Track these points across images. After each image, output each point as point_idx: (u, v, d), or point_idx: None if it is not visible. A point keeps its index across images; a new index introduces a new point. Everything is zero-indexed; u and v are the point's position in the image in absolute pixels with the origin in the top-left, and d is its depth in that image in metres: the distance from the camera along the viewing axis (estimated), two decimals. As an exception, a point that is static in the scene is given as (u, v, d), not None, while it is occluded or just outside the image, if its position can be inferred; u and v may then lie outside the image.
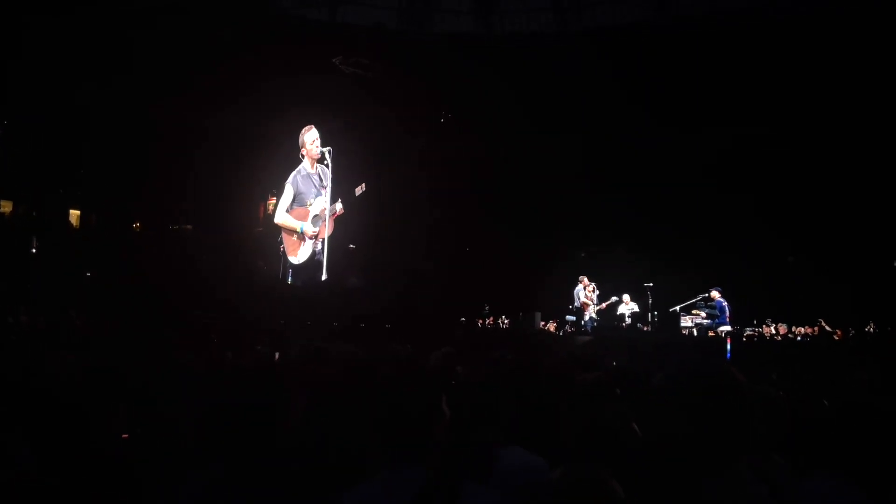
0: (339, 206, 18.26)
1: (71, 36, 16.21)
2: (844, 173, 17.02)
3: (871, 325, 15.06)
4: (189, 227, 21.17)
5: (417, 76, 18.77)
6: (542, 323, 16.98)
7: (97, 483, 2.11)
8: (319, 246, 18.14)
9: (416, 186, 19.95)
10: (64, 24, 16.15)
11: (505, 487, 2.06)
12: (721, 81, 17.70)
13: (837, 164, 17.11)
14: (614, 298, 16.57)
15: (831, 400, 2.32)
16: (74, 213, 20.27)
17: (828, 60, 16.55)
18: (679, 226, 18.19)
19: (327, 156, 18.07)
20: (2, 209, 18.57)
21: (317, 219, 18.19)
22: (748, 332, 15.49)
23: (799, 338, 15.40)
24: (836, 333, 14.94)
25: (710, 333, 14.12)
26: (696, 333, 14.66)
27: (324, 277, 17.83)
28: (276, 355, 6.46)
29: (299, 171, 18.46)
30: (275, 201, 19.01)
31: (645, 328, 15.27)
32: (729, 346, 11.43)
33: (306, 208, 18.28)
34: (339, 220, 18.55)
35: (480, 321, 18.88)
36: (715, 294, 14.43)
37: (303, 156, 18.43)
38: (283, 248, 18.41)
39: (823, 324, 15.39)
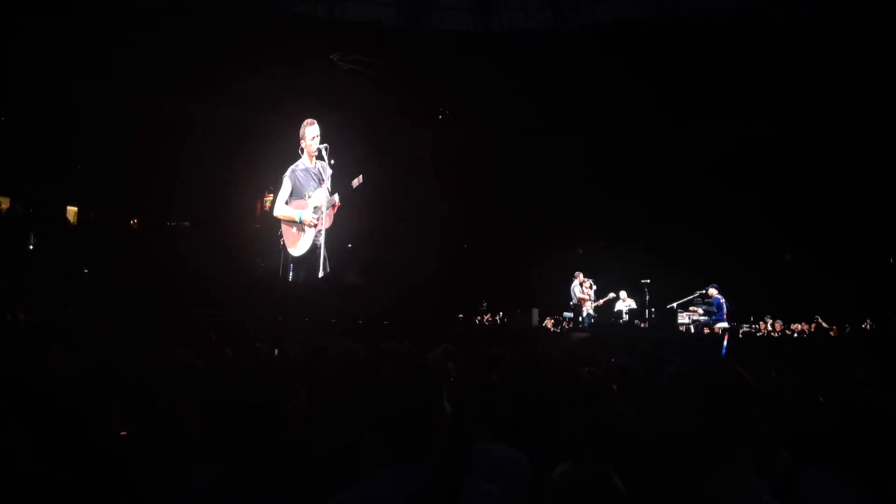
0: (336, 198, 18.25)
1: (69, 33, 16.18)
2: (842, 171, 17.04)
3: (868, 321, 15.09)
4: (187, 223, 21.14)
5: (416, 73, 18.77)
6: (540, 319, 16.97)
7: (97, 481, 2.11)
8: (321, 239, 18.11)
9: (412, 183, 19.95)
10: (62, 22, 16.12)
11: (495, 483, 2.06)
12: (720, 80, 17.73)
13: (835, 163, 17.14)
14: (612, 295, 16.55)
15: (829, 398, 2.33)
16: (72, 210, 20.23)
17: (826, 59, 16.58)
18: (677, 223, 18.21)
19: (324, 152, 18.05)
20: (-1, 206, 18.55)
21: (317, 209, 18.17)
22: (745, 328, 15.50)
23: (796, 334, 15.42)
24: (832, 330, 14.97)
25: (706, 330, 14.13)
26: (693, 330, 14.67)
27: (321, 274, 17.81)
28: (276, 352, 6.47)
29: (297, 166, 18.43)
30: (272, 197, 18.97)
31: (642, 325, 15.26)
32: (726, 343, 11.44)
33: (305, 200, 18.25)
34: (337, 216, 18.54)
35: (478, 318, 18.89)
36: (712, 291, 14.42)
37: (302, 150, 18.38)
38: (283, 240, 18.37)
39: (820, 320, 15.41)
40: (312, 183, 18.32)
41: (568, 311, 17.02)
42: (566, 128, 19.90)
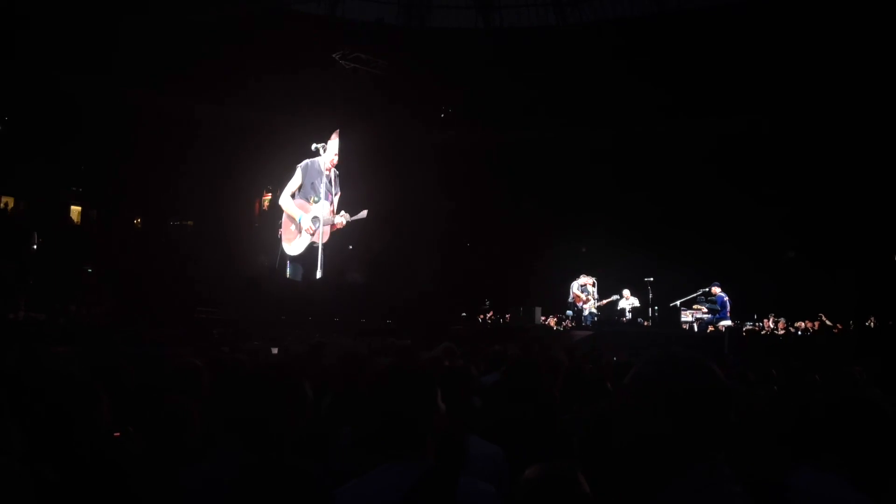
0: (338, 219, 17.97)
1: (73, 33, 16.21)
2: (845, 168, 16.98)
3: (872, 319, 15.03)
4: (190, 223, 21.18)
5: (418, 71, 18.77)
6: (543, 318, 16.97)
7: (96, 480, 2.11)
8: (316, 245, 18.04)
9: (415, 181, 19.94)
10: (65, 20, 16.16)
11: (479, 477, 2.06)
12: (724, 76, 17.69)
13: (839, 160, 17.07)
14: (615, 297, 16.51)
15: (827, 394, 2.32)
16: (75, 209, 20.28)
17: (828, 56, 16.53)
18: (680, 220, 18.18)
19: (321, 151, 17.92)
20: (2, 205, 18.58)
21: (316, 220, 17.99)
22: (748, 326, 15.47)
23: (799, 332, 15.37)
24: (835, 327, 14.92)
25: (710, 328, 14.12)
26: (696, 328, 14.65)
27: (319, 275, 17.77)
28: (275, 350, 6.47)
29: (311, 165, 18.07)
30: (270, 197, 18.90)
31: (645, 323, 15.25)
32: (727, 341, 11.42)
33: (309, 204, 18.12)
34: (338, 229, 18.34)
35: (481, 316, 18.89)
36: (715, 289, 14.40)
37: (324, 150, 18.04)
38: (281, 233, 18.22)
39: (824, 318, 15.36)
40: (322, 189, 18.09)
41: (570, 310, 17.02)
42: (569, 124, 19.88)
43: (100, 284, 16.15)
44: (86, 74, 17.15)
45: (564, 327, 16.46)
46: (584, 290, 16.60)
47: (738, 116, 18.44)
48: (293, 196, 18.20)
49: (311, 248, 17.92)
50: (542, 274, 18.86)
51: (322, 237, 17.90)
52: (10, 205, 18.80)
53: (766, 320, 16.15)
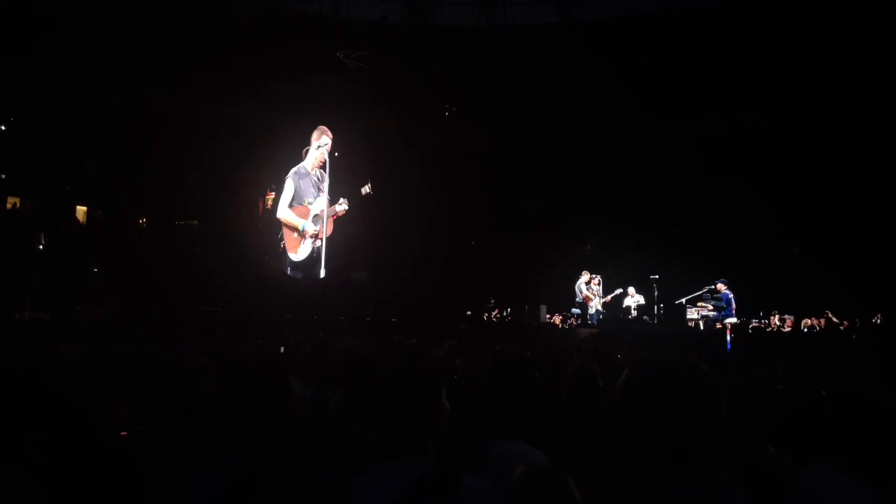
0: (339, 206, 18.24)
1: (78, 34, 16.25)
2: (851, 164, 16.91)
3: (879, 316, 14.97)
4: (195, 222, 21.22)
5: (421, 69, 18.75)
6: (548, 316, 16.96)
7: (101, 479, 2.11)
8: (318, 243, 18.19)
9: (420, 179, 19.95)
10: (71, 23, 16.20)
11: (500, 480, 2.06)
12: (727, 71, 17.62)
13: (844, 155, 17.01)
14: (619, 290, 16.55)
15: (830, 392, 2.31)
16: (81, 209, 20.34)
17: (832, 51, 16.46)
18: (685, 218, 18.14)
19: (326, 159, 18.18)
20: (9, 205, 18.64)
21: (317, 218, 18.20)
22: (754, 323, 15.44)
23: (806, 329, 15.33)
24: (842, 325, 14.87)
25: (718, 325, 14.09)
26: (701, 326, 14.64)
27: (322, 275, 17.87)
28: (282, 349, 6.47)
29: (300, 169, 18.44)
30: (273, 196, 18.99)
31: (651, 321, 15.24)
32: (729, 338, 11.38)
33: (306, 207, 18.29)
34: (342, 217, 18.54)
35: (486, 314, 18.89)
36: (721, 286, 14.38)
37: (306, 153, 18.35)
38: (284, 243, 18.42)
39: (830, 315, 15.31)
40: (313, 190, 18.34)
41: (576, 308, 17.02)
42: (572, 121, 19.85)
43: (105, 284, 16.20)
44: (93, 75, 17.19)
45: (570, 325, 16.44)
46: (588, 287, 16.61)
47: (740, 115, 18.40)
48: (290, 205, 18.38)
49: (314, 251, 18.08)
50: (547, 272, 18.85)
51: (326, 231, 18.03)
52: (17, 205, 18.86)
53: (772, 317, 16.11)
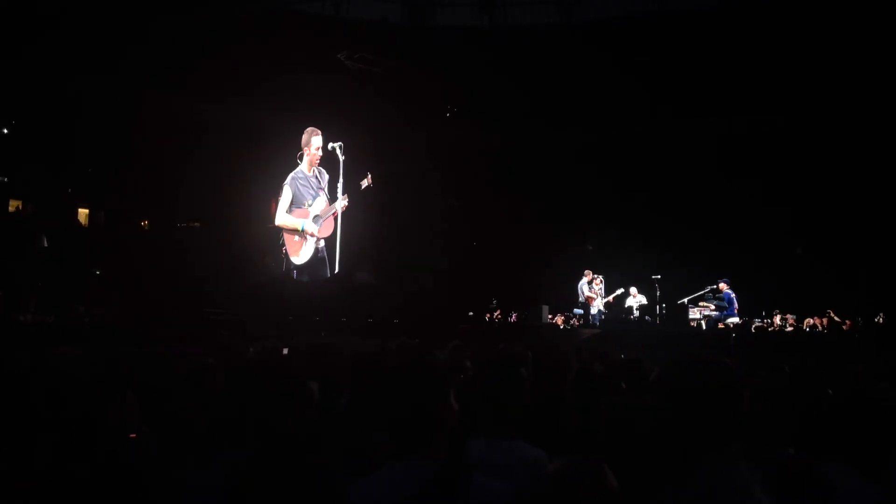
0: (339, 203, 18.29)
1: (79, 34, 16.26)
2: (852, 163, 16.91)
3: (881, 315, 14.96)
4: (197, 224, 21.21)
5: (422, 69, 18.76)
6: (550, 316, 16.96)
7: (106, 482, 2.11)
8: (321, 244, 18.23)
9: (421, 180, 19.95)
10: (71, 21, 16.21)
11: (504, 479, 2.05)
12: (727, 71, 17.63)
13: (846, 154, 17.00)
14: (621, 290, 16.54)
15: (836, 391, 2.31)
16: (83, 212, 20.35)
17: (835, 49, 16.45)
18: (687, 217, 18.13)
19: (338, 151, 18.18)
20: (11, 207, 18.67)
21: (318, 218, 18.24)
22: (757, 323, 15.43)
23: (808, 329, 15.32)
24: (844, 324, 14.86)
25: (720, 325, 14.08)
26: (704, 326, 14.62)
27: (336, 271, 17.96)
28: (285, 350, 6.47)
29: (297, 174, 18.50)
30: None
31: (653, 321, 15.23)
32: (733, 338, 11.38)
33: (306, 209, 18.33)
34: (345, 216, 18.60)
35: (488, 315, 18.88)
36: (723, 286, 14.37)
37: (302, 157, 18.40)
38: (286, 249, 18.45)
39: (833, 315, 15.30)
40: (311, 191, 18.40)
41: (578, 308, 17.01)
42: (574, 123, 19.85)
43: (107, 286, 16.21)
44: (93, 76, 17.20)
45: (572, 326, 16.44)
46: (590, 287, 16.61)
47: (743, 115, 18.40)
48: (289, 210, 18.42)
49: (317, 253, 18.12)
50: (549, 273, 18.84)
51: (326, 230, 18.11)
52: (19, 207, 18.88)
53: (774, 317, 16.10)
